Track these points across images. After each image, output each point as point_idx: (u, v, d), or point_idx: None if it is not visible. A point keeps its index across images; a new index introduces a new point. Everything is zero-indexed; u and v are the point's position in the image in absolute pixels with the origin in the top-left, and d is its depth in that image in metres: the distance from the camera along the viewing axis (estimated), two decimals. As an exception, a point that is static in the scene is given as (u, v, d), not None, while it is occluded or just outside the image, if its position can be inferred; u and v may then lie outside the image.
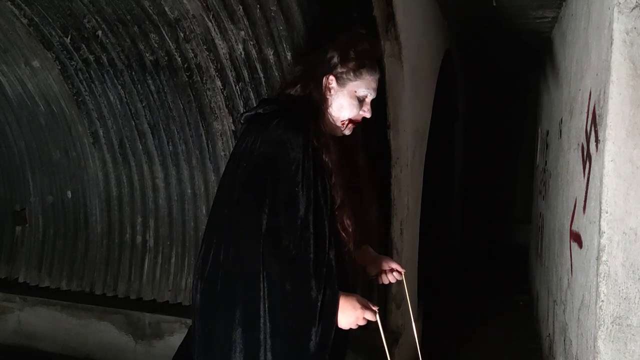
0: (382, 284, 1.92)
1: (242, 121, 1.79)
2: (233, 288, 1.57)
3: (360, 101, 1.73)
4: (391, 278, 1.89)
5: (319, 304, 1.51)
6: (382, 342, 1.65)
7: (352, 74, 1.70)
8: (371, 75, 1.73)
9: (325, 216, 1.61)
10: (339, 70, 1.70)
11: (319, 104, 1.71)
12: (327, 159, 1.65)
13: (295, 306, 1.53)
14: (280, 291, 1.52)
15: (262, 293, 1.52)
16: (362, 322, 1.58)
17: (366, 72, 1.72)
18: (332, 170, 1.65)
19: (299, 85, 1.75)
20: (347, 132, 1.76)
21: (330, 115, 1.72)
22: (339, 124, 1.73)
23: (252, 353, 1.55)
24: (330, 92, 1.72)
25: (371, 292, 3.09)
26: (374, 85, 1.75)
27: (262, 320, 1.54)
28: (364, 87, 1.72)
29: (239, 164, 1.64)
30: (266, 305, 1.53)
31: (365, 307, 1.58)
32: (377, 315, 1.61)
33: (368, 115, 1.76)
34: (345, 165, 1.71)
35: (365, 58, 1.72)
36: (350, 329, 1.60)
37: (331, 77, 1.71)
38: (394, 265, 1.89)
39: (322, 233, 1.59)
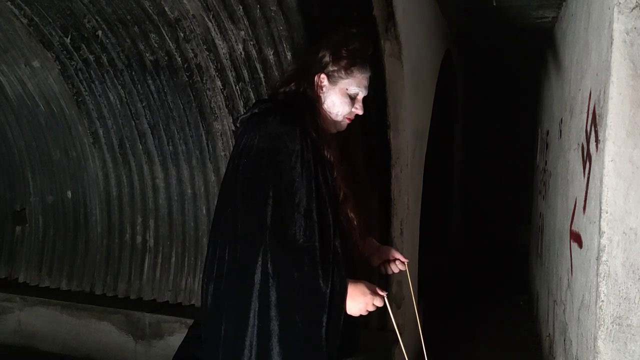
0: (386, 273, 1.94)
1: (237, 124, 1.81)
2: (241, 283, 1.57)
3: (352, 99, 1.76)
4: (394, 268, 1.91)
5: (327, 291, 1.52)
6: (392, 325, 1.65)
7: (343, 72, 1.73)
8: (362, 73, 1.76)
9: (328, 205, 1.62)
10: (331, 68, 1.73)
11: (313, 100, 1.74)
12: (328, 154, 1.67)
13: (304, 295, 1.53)
14: (289, 280, 1.53)
15: (270, 284, 1.53)
16: (371, 308, 1.59)
17: (357, 70, 1.74)
18: (334, 164, 1.68)
19: (292, 84, 1.77)
20: (343, 126, 1.80)
21: (325, 112, 1.75)
22: (338, 119, 1.76)
23: (262, 345, 1.55)
24: (322, 90, 1.75)
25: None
26: (365, 83, 1.77)
27: (271, 312, 1.53)
28: (354, 84, 1.74)
29: (239, 161, 1.65)
30: (275, 296, 1.53)
31: (374, 293, 1.59)
32: (386, 300, 1.62)
33: (360, 112, 1.78)
34: (345, 160, 1.74)
35: (356, 57, 1.74)
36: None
37: (322, 76, 1.74)
38: (397, 255, 1.91)
39: (326, 222, 1.60)
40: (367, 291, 1.58)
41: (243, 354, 1.56)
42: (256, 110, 1.73)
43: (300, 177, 1.58)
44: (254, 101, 3.08)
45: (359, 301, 1.57)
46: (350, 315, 1.59)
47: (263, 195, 1.55)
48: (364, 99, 1.79)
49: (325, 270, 1.54)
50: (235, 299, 1.59)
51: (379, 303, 1.59)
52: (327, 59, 1.73)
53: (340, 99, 1.73)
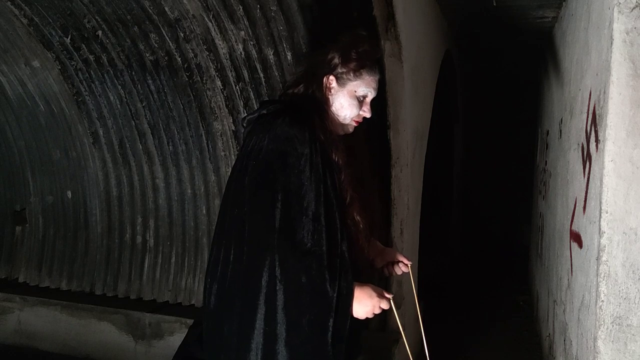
0: (389, 275, 1.95)
1: (244, 124, 1.81)
2: (247, 285, 1.57)
3: (360, 101, 1.76)
4: (397, 270, 1.92)
5: (334, 295, 1.53)
6: (393, 325, 1.67)
7: (352, 74, 1.73)
8: (371, 75, 1.76)
9: (336, 209, 1.63)
10: (340, 70, 1.74)
11: (322, 102, 1.74)
12: (335, 157, 1.68)
13: (311, 298, 1.54)
14: (296, 284, 1.53)
15: (277, 287, 1.53)
16: (377, 311, 1.60)
17: (366, 73, 1.75)
18: (341, 167, 1.69)
19: (301, 85, 1.78)
20: (350, 129, 1.80)
21: (333, 114, 1.75)
22: (346, 122, 1.76)
23: (268, 348, 1.56)
24: (330, 91, 1.75)
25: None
26: (373, 85, 1.78)
27: (278, 315, 1.54)
28: (363, 86, 1.75)
29: (247, 163, 1.65)
30: (282, 300, 1.53)
31: (381, 295, 1.60)
32: (392, 303, 1.63)
33: (368, 115, 1.79)
34: (352, 163, 1.75)
35: (366, 59, 1.75)
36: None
37: (331, 77, 1.74)
38: (400, 258, 1.92)
39: (334, 226, 1.61)
40: (373, 294, 1.59)
41: (249, 356, 1.57)
42: (264, 111, 1.73)
43: (309, 180, 1.59)
44: (254, 101, 3.09)
45: (365, 304, 1.58)
46: (356, 319, 1.59)
47: (272, 198, 1.56)
48: (372, 101, 1.80)
49: (332, 275, 1.54)
50: (240, 300, 1.59)
51: (385, 306, 1.60)
52: (336, 60, 1.73)
53: (348, 101, 1.74)
